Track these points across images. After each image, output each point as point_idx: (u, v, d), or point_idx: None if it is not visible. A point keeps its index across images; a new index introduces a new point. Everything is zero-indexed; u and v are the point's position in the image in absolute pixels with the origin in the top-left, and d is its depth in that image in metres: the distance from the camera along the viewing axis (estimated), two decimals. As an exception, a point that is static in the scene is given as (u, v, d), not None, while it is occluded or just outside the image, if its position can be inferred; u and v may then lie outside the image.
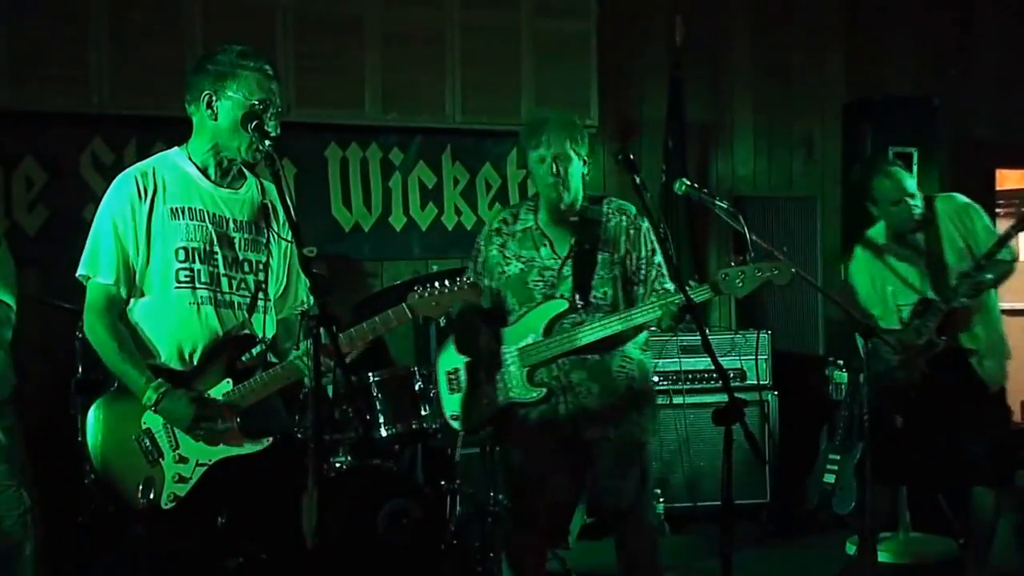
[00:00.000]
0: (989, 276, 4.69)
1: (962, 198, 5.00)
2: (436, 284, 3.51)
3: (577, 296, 4.01)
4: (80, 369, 4.95)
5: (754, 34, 7.41)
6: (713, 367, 5.85)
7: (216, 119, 3.33)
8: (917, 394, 4.81)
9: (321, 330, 3.01)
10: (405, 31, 6.34)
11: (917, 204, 4.85)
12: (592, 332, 3.93)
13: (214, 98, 3.31)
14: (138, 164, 3.40)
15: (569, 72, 6.65)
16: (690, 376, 6.07)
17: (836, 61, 7.57)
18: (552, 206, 4.06)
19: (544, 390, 3.98)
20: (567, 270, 4.03)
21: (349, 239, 6.41)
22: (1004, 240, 4.66)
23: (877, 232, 5.08)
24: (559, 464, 4.05)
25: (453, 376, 4.23)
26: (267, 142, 3.21)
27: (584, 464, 4.09)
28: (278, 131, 3.32)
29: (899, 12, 7.68)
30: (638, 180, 3.73)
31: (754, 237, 4.12)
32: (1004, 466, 5.02)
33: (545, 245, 4.07)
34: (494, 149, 6.71)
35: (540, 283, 4.05)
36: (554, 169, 3.97)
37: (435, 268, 5.88)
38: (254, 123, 3.25)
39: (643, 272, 4.13)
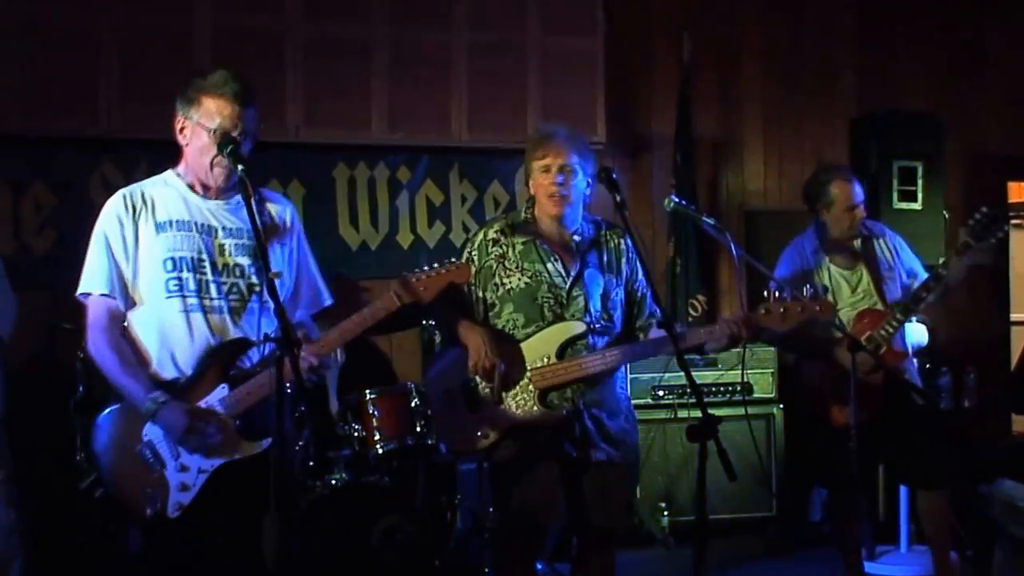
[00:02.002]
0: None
1: (888, 229, 5.23)
2: (425, 267, 3.56)
3: (589, 319, 3.96)
4: (81, 388, 5.05)
5: (763, 49, 7.43)
6: (731, 380, 6.14)
7: (188, 144, 3.46)
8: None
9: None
10: (412, 51, 6.41)
11: (864, 214, 5.06)
12: (613, 359, 3.91)
13: (185, 125, 3.45)
14: (128, 186, 3.53)
15: (576, 89, 6.68)
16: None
17: (847, 76, 7.56)
18: (551, 218, 4.03)
19: (560, 413, 3.92)
20: (577, 291, 3.98)
21: (356, 258, 6.46)
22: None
23: (808, 238, 5.17)
24: (561, 486, 4.01)
25: (449, 394, 4.08)
26: (240, 167, 3.29)
27: (584, 485, 4.02)
28: (249, 151, 3.42)
29: (910, 27, 7.68)
30: (619, 199, 3.77)
31: (741, 253, 4.17)
32: (944, 472, 5.04)
33: (552, 261, 4.01)
34: (502, 166, 6.73)
35: (550, 300, 3.97)
36: (558, 178, 3.94)
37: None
38: (229, 148, 3.33)
39: (638, 296, 4.13)
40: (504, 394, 3.94)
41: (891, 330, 4.82)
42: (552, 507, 4.01)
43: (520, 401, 3.93)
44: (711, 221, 4.16)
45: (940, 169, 6.80)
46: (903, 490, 5.82)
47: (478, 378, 3.95)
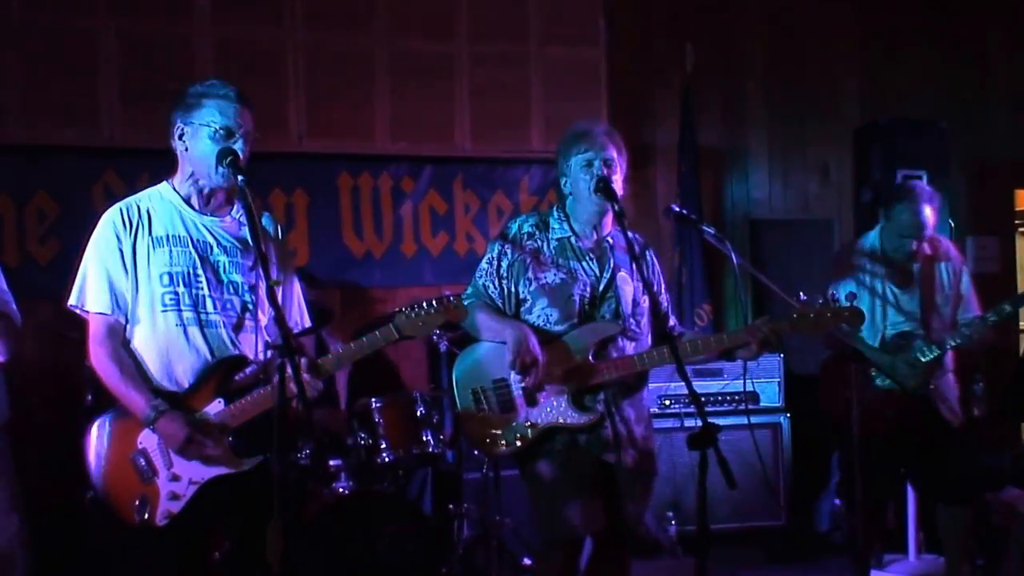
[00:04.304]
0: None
1: (957, 254, 5.12)
2: (424, 304, 3.55)
3: (622, 321, 3.89)
4: (89, 396, 5.05)
5: (766, 58, 7.44)
6: (737, 389, 6.12)
7: (188, 150, 3.45)
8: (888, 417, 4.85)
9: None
10: (414, 61, 6.45)
11: (920, 247, 4.94)
12: (657, 360, 3.80)
13: (185, 130, 3.44)
14: (124, 199, 3.53)
15: (579, 99, 6.68)
16: (702, 399, 6.00)
17: (851, 84, 7.59)
18: (590, 215, 3.93)
19: (595, 415, 3.83)
20: (610, 293, 3.90)
21: (360, 267, 6.47)
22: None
23: (871, 245, 5.09)
24: (596, 489, 3.86)
25: (479, 394, 3.92)
26: (240, 177, 3.30)
27: (613, 489, 3.89)
28: (247, 153, 3.42)
29: (913, 34, 7.69)
30: (617, 208, 3.77)
31: (742, 262, 4.15)
32: (970, 487, 5.04)
33: (587, 260, 3.93)
34: (505, 176, 6.76)
35: (584, 298, 3.89)
36: (603, 171, 3.84)
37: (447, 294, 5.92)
38: (229, 159, 3.35)
39: (663, 307, 4.04)
40: (538, 394, 3.85)
41: (933, 352, 4.83)
42: (595, 513, 3.85)
43: (554, 402, 3.84)
44: (711, 230, 4.14)
45: (945, 177, 6.78)
46: (911, 498, 5.79)
47: (512, 376, 3.85)
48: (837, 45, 7.59)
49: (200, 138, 3.42)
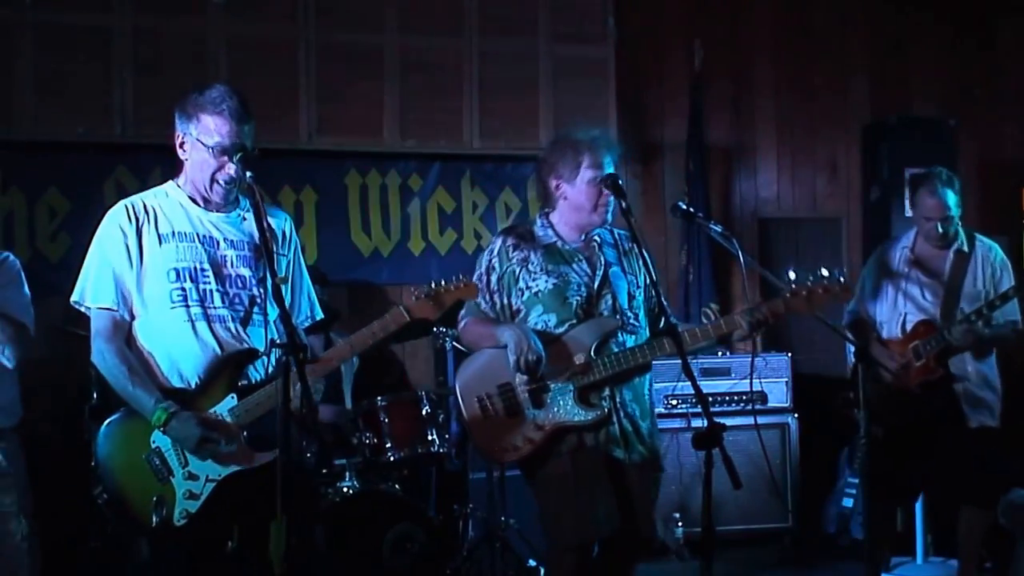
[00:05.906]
0: (986, 331, 4.86)
1: (1002, 253, 5.12)
2: (432, 284, 3.54)
3: (620, 316, 3.89)
4: (95, 395, 5.04)
5: (775, 55, 7.42)
6: (744, 389, 6.10)
7: (188, 158, 3.47)
8: (904, 412, 4.83)
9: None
10: (423, 59, 6.43)
11: (947, 228, 4.99)
12: (659, 350, 3.78)
13: (185, 139, 3.46)
14: (130, 197, 3.53)
15: (587, 97, 6.66)
16: (708, 398, 5.99)
17: (860, 82, 7.55)
18: (584, 225, 3.95)
19: (601, 412, 3.81)
20: (605, 289, 3.91)
21: (368, 265, 6.47)
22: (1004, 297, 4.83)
23: (904, 240, 5.19)
24: (609, 488, 3.81)
25: (484, 400, 3.89)
26: (248, 174, 3.30)
27: (626, 488, 3.86)
28: (245, 166, 3.40)
29: (922, 32, 7.65)
30: (624, 205, 3.75)
31: (748, 259, 4.13)
32: (992, 488, 5.02)
33: (577, 261, 3.93)
34: (513, 173, 6.74)
35: (579, 298, 3.88)
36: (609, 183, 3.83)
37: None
38: (239, 155, 3.35)
39: (653, 301, 4.02)
40: (543, 395, 3.83)
41: (935, 344, 4.83)
42: (611, 513, 3.79)
43: (560, 402, 3.82)
44: (718, 228, 4.11)
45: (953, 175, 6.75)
46: (920, 501, 5.76)
47: (517, 378, 3.83)
48: (846, 42, 7.56)
49: (197, 152, 3.43)
